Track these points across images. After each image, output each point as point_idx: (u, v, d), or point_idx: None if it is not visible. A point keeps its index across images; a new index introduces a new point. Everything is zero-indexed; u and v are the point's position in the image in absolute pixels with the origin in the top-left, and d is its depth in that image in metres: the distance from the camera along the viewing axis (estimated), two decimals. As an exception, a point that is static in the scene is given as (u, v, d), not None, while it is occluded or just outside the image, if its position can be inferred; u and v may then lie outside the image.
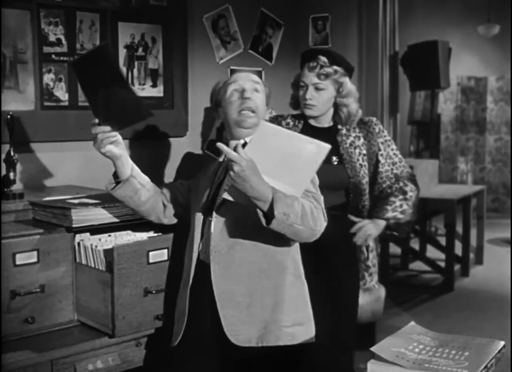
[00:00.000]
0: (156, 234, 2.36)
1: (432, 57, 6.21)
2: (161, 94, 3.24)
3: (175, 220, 2.34)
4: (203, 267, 2.11)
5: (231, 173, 1.83)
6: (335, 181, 2.60)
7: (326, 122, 2.71)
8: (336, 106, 2.67)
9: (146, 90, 3.18)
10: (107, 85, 1.98)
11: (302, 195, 1.93)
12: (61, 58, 2.87)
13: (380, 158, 2.72)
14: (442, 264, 5.84)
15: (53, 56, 2.85)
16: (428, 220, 6.50)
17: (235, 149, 1.85)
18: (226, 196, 1.94)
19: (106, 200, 2.28)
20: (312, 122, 2.71)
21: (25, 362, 2.02)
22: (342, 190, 2.67)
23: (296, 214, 1.89)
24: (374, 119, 2.75)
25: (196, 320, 2.10)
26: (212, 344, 2.08)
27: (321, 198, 2.07)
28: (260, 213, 1.89)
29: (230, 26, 3.55)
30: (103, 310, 2.18)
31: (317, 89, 2.62)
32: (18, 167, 2.57)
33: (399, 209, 2.67)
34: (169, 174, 3.28)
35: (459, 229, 6.04)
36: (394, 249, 6.18)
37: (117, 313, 2.15)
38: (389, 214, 2.66)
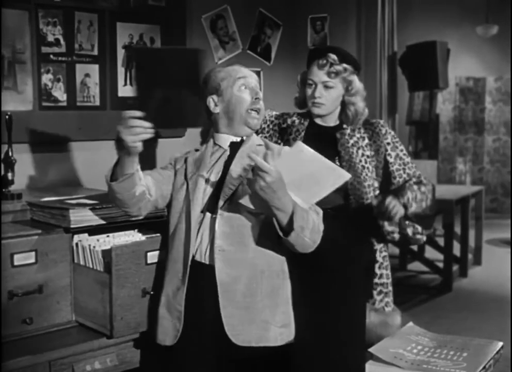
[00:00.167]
0: (154, 235, 2.35)
1: (430, 58, 6.19)
2: (160, 95, 3.24)
3: (147, 212, 2.21)
4: (200, 266, 2.09)
5: (262, 183, 1.85)
6: None
7: (332, 121, 2.69)
8: (344, 105, 2.66)
9: (144, 90, 3.17)
10: (179, 85, 1.96)
11: None
12: (59, 58, 2.87)
13: (388, 158, 2.69)
14: (440, 264, 5.83)
15: (51, 56, 2.85)
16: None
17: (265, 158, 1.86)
18: (246, 202, 1.96)
19: (104, 200, 2.28)
20: (317, 120, 2.69)
21: (22, 363, 2.02)
22: (342, 191, 2.66)
23: (308, 228, 1.96)
24: (381, 121, 2.74)
25: (194, 320, 2.10)
26: (211, 344, 2.08)
27: (321, 211, 2.09)
28: (277, 225, 1.93)
29: (228, 26, 3.55)
30: (101, 310, 2.18)
31: (326, 87, 2.58)
32: (17, 167, 2.57)
33: (419, 197, 2.61)
34: (168, 174, 3.27)
35: (458, 229, 6.03)
36: (392, 249, 6.17)
37: (115, 314, 2.14)
38: (409, 195, 2.58)
